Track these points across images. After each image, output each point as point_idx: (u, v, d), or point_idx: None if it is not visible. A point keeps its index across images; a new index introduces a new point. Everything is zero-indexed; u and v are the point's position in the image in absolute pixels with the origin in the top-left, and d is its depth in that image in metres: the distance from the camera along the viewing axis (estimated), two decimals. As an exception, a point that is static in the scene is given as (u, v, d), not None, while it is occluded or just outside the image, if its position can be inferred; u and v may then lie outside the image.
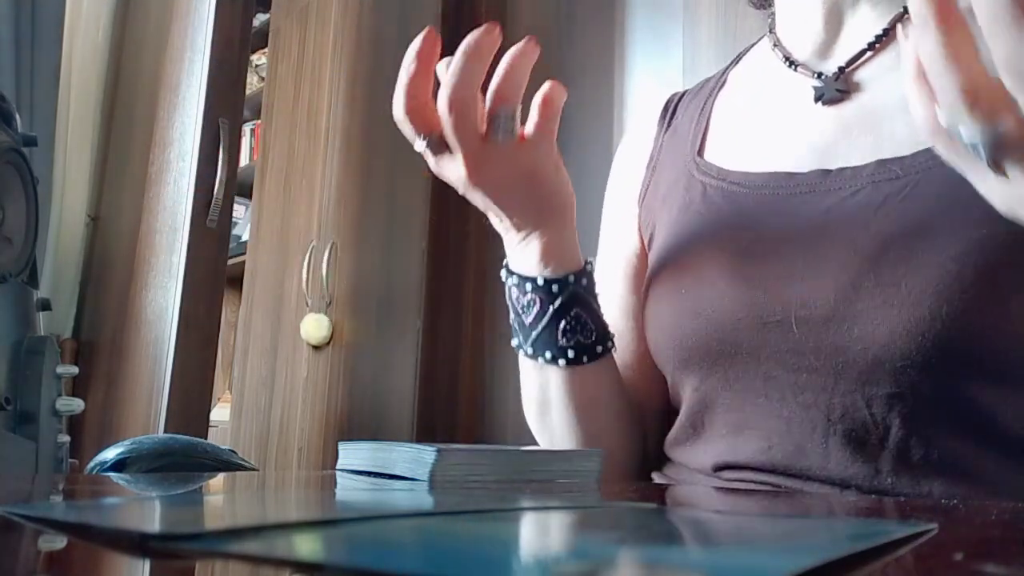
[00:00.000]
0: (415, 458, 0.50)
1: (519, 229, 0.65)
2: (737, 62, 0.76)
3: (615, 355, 0.70)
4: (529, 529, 0.28)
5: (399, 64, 0.57)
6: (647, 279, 0.68)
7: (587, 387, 0.67)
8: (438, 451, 0.49)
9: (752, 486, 0.59)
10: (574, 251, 0.66)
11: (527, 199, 0.63)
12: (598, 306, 0.67)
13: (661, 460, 0.70)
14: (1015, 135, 0.38)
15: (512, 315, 0.68)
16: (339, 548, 0.24)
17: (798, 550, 0.24)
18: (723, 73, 0.76)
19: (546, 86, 0.60)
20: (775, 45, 0.70)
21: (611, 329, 0.69)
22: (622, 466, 0.71)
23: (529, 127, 0.60)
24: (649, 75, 1.59)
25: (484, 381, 1.77)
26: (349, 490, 0.48)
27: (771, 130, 0.67)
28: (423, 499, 0.40)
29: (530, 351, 0.67)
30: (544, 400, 0.69)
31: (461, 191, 0.62)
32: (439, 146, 0.59)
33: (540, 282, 0.64)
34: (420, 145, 0.59)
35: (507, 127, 0.57)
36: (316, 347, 2.03)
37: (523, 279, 0.65)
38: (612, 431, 0.70)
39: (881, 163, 0.58)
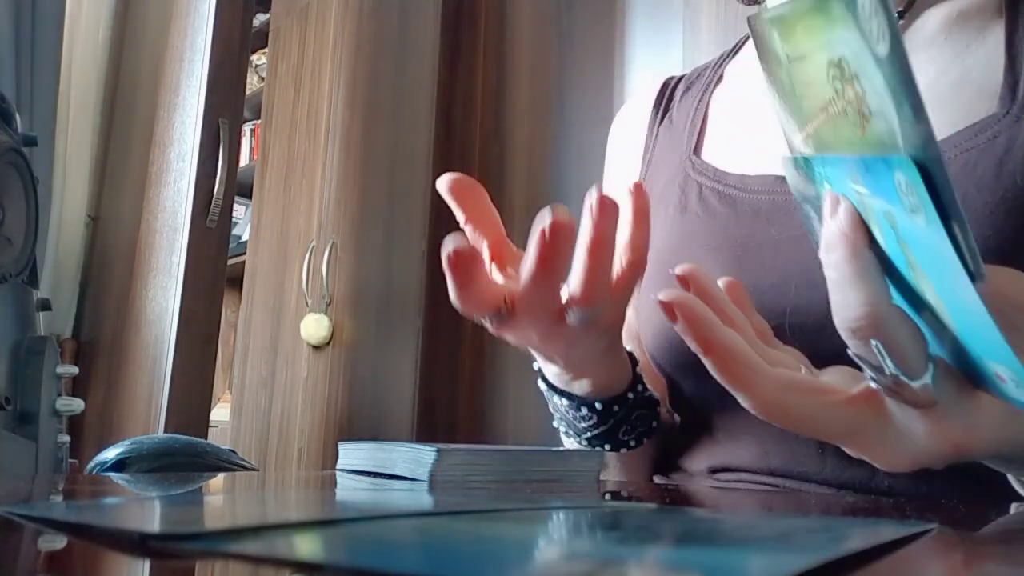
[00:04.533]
0: (415, 458, 0.50)
1: (567, 371, 0.57)
2: (734, 54, 0.76)
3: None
4: (529, 529, 0.28)
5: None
6: (643, 280, 0.68)
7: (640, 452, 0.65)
8: (438, 451, 0.49)
9: (750, 487, 0.59)
10: (624, 365, 0.59)
11: (588, 360, 0.56)
12: (651, 392, 0.62)
13: (662, 462, 0.70)
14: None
15: (556, 415, 0.62)
16: (339, 548, 0.24)
17: (798, 550, 0.24)
18: (719, 66, 0.76)
19: (625, 258, 0.50)
20: None
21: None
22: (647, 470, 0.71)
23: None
24: (649, 74, 1.59)
25: (484, 381, 1.77)
26: (349, 490, 0.48)
27: (766, 133, 0.67)
28: (423, 499, 0.40)
29: (583, 443, 0.63)
30: None
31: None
32: (506, 319, 0.51)
33: (598, 407, 0.59)
34: (486, 322, 0.51)
35: (584, 318, 0.49)
36: (316, 347, 2.03)
37: (575, 400, 0.59)
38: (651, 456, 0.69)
39: None
